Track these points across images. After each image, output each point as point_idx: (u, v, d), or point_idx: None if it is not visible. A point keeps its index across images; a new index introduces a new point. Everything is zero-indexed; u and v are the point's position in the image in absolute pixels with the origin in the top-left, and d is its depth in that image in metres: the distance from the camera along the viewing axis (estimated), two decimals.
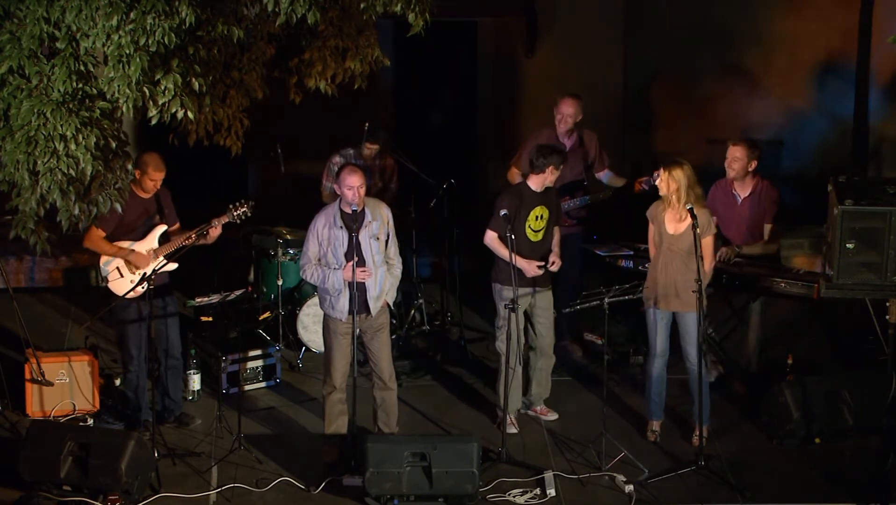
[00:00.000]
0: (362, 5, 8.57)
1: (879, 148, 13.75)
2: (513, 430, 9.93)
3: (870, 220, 8.65)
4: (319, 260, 9.47)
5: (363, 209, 9.44)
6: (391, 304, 9.71)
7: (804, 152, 13.79)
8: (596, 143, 11.08)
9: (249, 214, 9.86)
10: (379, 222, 9.45)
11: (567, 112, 10.85)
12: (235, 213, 9.80)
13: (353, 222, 9.36)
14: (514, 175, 10.92)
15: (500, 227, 9.78)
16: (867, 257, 8.69)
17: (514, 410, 10.04)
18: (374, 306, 9.49)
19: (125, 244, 9.77)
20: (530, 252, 9.80)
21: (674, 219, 9.63)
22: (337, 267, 9.39)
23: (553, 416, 10.20)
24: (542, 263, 9.81)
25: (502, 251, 9.76)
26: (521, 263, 9.72)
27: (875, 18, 13.09)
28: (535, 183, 9.82)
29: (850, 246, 8.66)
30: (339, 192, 9.40)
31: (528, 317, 10.01)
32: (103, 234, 9.67)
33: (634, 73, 13.71)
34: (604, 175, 11.13)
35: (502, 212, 9.62)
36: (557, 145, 10.07)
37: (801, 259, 10.30)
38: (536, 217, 9.81)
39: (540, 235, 9.87)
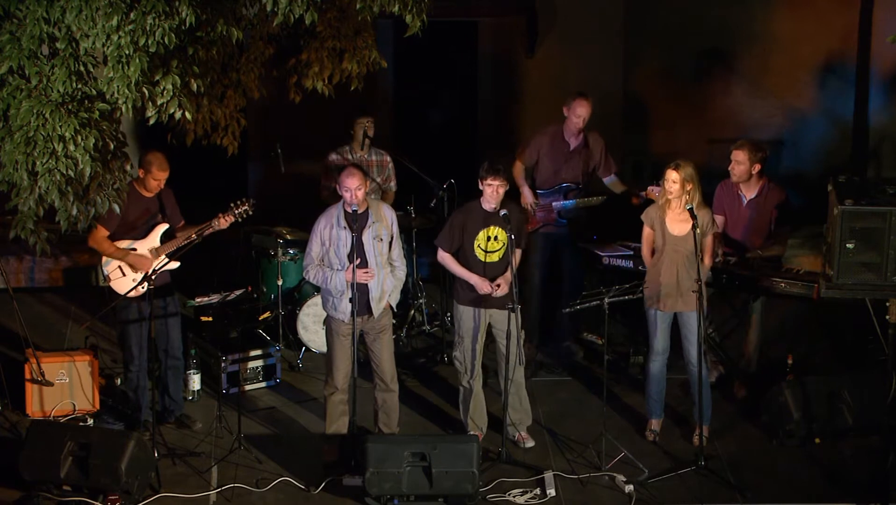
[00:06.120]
0: (358, 5, 8.56)
1: (879, 148, 13.75)
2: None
3: (870, 220, 8.66)
4: (322, 261, 9.48)
5: (366, 210, 9.44)
6: (394, 306, 9.70)
7: (804, 152, 13.80)
8: (602, 147, 11.02)
9: (251, 213, 9.87)
10: (381, 224, 9.45)
11: (583, 113, 10.79)
12: (237, 212, 9.81)
13: (355, 222, 9.37)
14: (518, 169, 10.93)
15: (443, 243, 9.70)
16: (867, 257, 8.69)
17: (482, 424, 9.89)
18: (377, 308, 9.49)
19: (126, 243, 9.78)
20: (482, 273, 9.62)
21: (678, 220, 9.62)
22: (339, 268, 9.39)
23: (530, 443, 9.91)
24: (497, 284, 9.56)
25: (454, 268, 9.70)
26: (474, 279, 9.63)
27: (875, 18, 13.11)
28: (485, 201, 9.60)
29: (850, 246, 8.66)
30: (339, 193, 9.41)
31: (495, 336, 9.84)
32: (107, 233, 9.69)
33: (634, 73, 13.71)
34: (609, 180, 11.09)
35: (502, 212, 9.57)
36: (497, 163, 9.64)
37: (805, 259, 10.31)
38: (488, 237, 9.62)
39: (495, 257, 9.61)
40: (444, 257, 9.75)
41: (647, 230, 9.76)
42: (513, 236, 9.49)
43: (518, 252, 9.72)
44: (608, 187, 11.09)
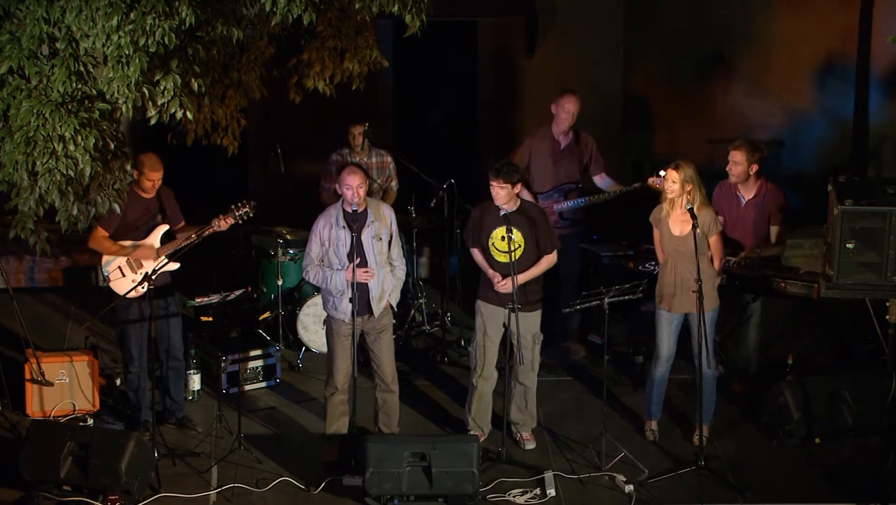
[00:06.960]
0: (357, 5, 8.56)
1: (879, 148, 13.76)
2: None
3: (870, 220, 8.66)
4: (322, 261, 9.48)
5: (365, 209, 9.44)
6: (394, 305, 9.70)
7: (804, 152, 13.80)
8: (592, 145, 11.05)
9: (251, 215, 9.87)
10: (381, 223, 9.45)
11: (571, 109, 10.81)
12: (237, 214, 9.81)
13: (354, 222, 9.37)
14: None
15: (468, 239, 9.76)
16: (867, 257, 8.69)
17: (484, 425, 9.87)
18: (377, 307, 9.49)
19: (127, 244, 9.78)
20: (502, 271, 9.58)
21: (679, 220, 9.61)
22: (339, 268, 9.39)
23: (531, 444, 9.88)
24: (505, 282, 9.51)
25: (479, 261, 9.72)
26: (489, 273, 9.64)
27: (875, 18, 13.11)
28: (497, 201, 9.57)
29: (850, 246, 8.66)
30: (339, 192, 9.41)
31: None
32: (107, 233, 9.69)
33: (634, 73, 13.72)
34: (602, 181, 11.09)
35: (502, 212, 9.58)
36: (500, 164, 9.57)
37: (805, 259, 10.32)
38: (502, 237, 9.59)
39: (509, 257, 9.52)
40: (474, 252, 9.79)
41: (656, 232, 9.75)
42: (512, 236, 9.49)
43: (549, 256, 9.69)
44: (607, 191, 11.05)
